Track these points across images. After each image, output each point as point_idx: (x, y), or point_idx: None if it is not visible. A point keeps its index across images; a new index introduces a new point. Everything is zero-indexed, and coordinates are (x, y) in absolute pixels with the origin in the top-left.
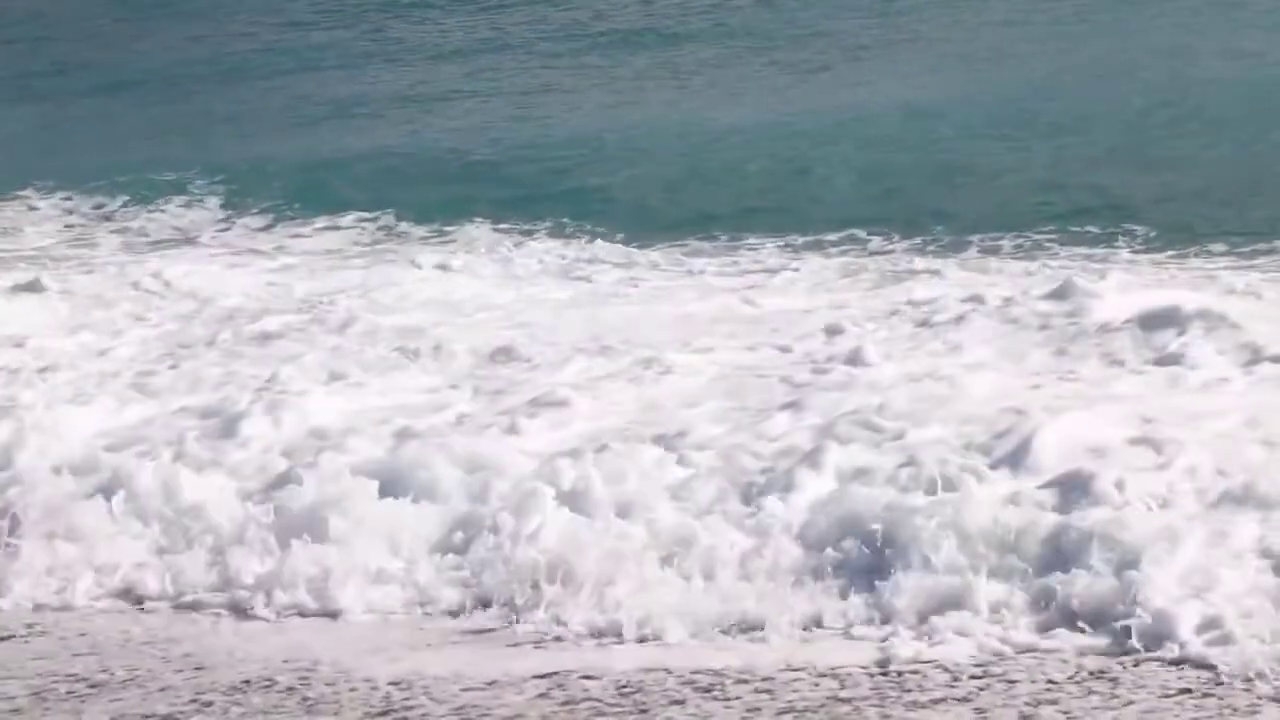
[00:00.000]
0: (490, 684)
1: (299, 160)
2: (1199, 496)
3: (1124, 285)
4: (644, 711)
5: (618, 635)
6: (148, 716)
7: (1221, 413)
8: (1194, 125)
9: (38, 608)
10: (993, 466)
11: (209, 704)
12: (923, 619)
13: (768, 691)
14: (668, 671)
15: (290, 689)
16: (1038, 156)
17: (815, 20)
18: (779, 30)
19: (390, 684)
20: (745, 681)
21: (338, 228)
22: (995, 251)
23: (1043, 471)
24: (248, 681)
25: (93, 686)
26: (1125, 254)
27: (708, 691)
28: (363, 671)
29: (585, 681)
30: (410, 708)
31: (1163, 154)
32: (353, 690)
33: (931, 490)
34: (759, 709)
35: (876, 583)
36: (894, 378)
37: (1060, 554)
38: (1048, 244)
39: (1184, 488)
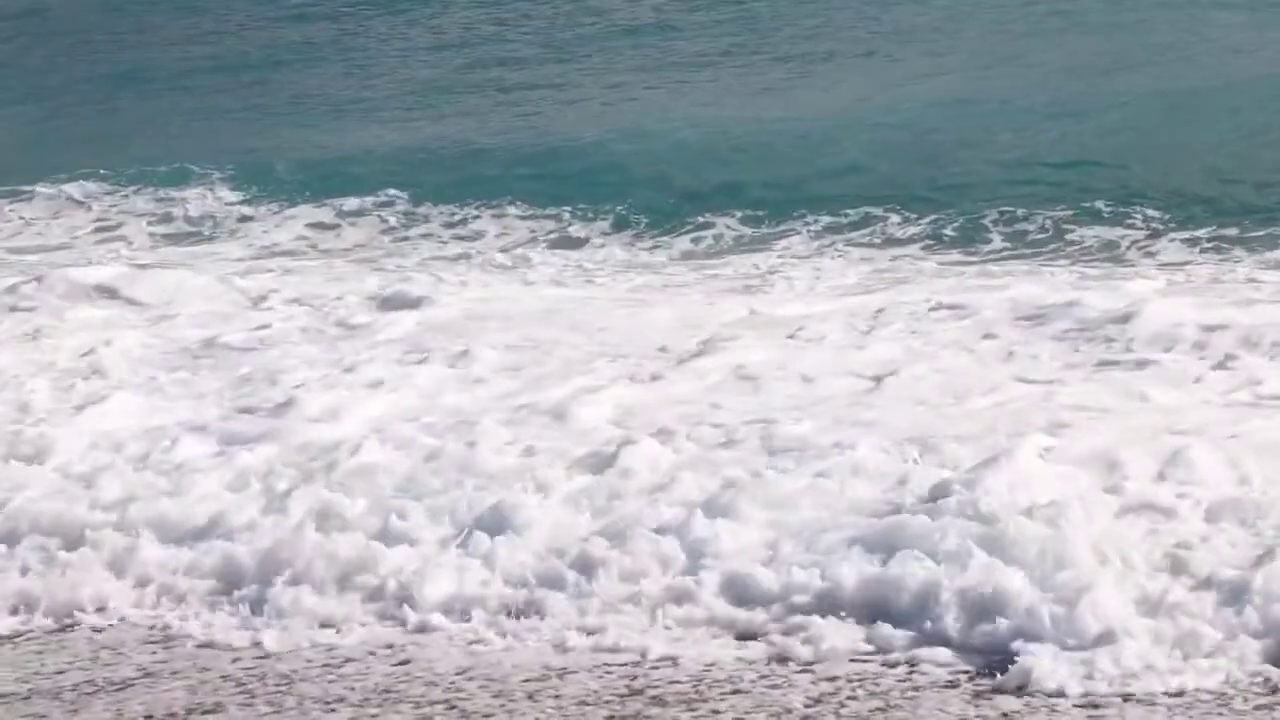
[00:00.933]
0: (542, 676)
1: (310, 156)
2: (1171, 519)
3: (1140, 294)
4: (702, 700)
5: (656, 627)
6: (198, 705)
7: (1213, 426)
8: (1205, 115)
9: (73, 615)
10: (967, 484)
11: (254, 694)
12: (910, 619)
13: (829, 679)
14: (716, 664)
15: (345, 675)
16: (1048, 148)
17: (816, 13)
18: (781, 25)
19: (446, 675)
20: (796, 673)
21: (353, 224)
22: (1012, 243)
23: (1016, 490)
24: (297, 672)
25: (146, 675)
26: (1139, 245)
27: (764, 679)
28: (417, 666)
29: (638, 671)
30: (468, 697)
31: (1175, 143)
32: (408, 681)
33: (925, 497)
34: (820, 699)
35: (862, 585)
36: (898, 383)
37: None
38: (1065, 233)
39: (1161, 508)
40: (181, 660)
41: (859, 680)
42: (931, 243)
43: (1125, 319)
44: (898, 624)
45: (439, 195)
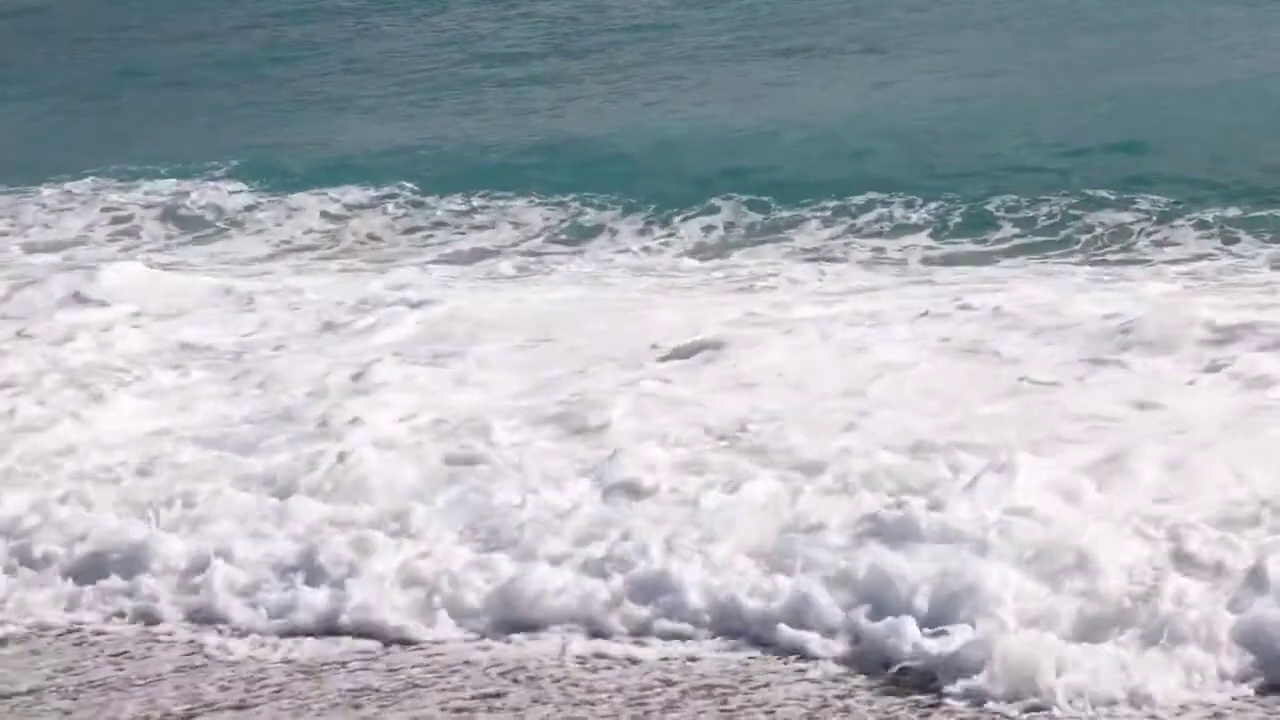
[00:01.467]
0: (569, 672)
1: (316, 153)
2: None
3: (1148, 296)
4: (732, 692)
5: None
6: (222, 701)
7: (1221, 430)
8: (1213, 108)
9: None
10: (967, 489)
11: (279, 689)
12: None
13: (835, 680)
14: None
15: (368, 671)
16: (1054, 140)
17: (816, 9)
18: (781, 22)
19: (471, 672)
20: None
21: (359, 222)
22: (1022, 238)
23: (1016, 497)
24: (324, 668)
25: (176, 671)
26: (1148, 233)
27: (800, 671)
28: (441, 663)
29: (656, 668)
30: (496, 693)
31: (1188, 135)
32: (436, 674)
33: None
34: (852, 693)
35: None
36: (899, 386)
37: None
38: (1076, 228)
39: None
40: (201, 657)
41: (863, 683)
42: (939, 239)
43: (1132, 320)
44: (889, 630)
45: (444, 193)
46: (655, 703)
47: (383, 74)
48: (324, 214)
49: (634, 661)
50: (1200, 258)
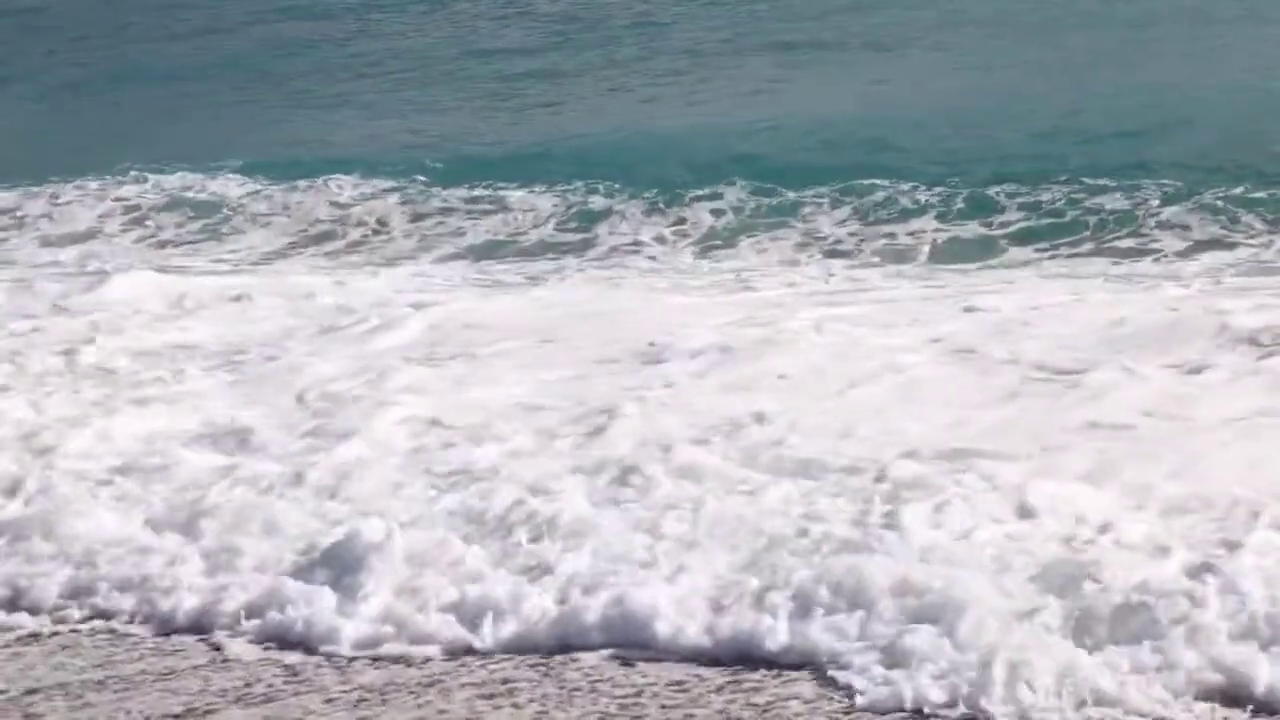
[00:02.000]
0: (593, 669)
1: (321, 151)
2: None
3: (1155, 298)
4: (760, 689)
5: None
6: (247, 694)
7: (1227, 434)
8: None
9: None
10: (962, 499)
11: (308, 683)
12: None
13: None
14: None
15: (401, 666)
16: (1059, 135)
17: (816, 6)
18: (781, 18)
19: (497, 669)
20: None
21: (363, 220)
22: (1029, 239)
23: (1014, 505)
24: (358, 659)
25: (193, 669)
26: (1154, 215)
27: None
28: (472, 654)
29: (664, 662)
30: (522, 688)
31: (1200, 132)
32: (465, 670)
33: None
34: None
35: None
36: (898, 390)
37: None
38: (1086, 226)
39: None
40: (207, 657)
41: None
42: (945, 222)
43: (1141, 323)
44: (870, 637)
45: (448, 186)
46: (682, 698)
47: (386, 70)
48: (332, 203)
49: (652, 660)
50: (1211, 246)
